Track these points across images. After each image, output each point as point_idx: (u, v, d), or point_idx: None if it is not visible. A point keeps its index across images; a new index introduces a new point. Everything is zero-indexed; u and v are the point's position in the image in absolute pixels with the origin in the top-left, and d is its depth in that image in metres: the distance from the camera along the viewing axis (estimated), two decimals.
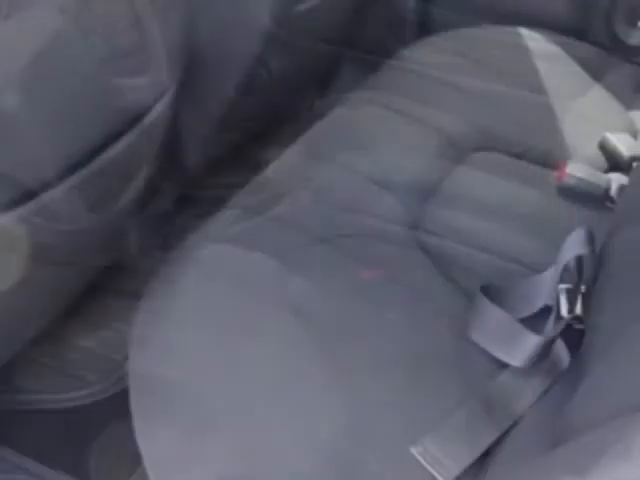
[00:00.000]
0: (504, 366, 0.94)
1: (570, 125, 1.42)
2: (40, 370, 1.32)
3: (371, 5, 1.91)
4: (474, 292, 1.00)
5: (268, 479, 0.84)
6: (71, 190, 0.94)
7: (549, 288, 1.00)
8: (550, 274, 1.01)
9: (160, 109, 1.07)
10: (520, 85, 1.49)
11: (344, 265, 1.05)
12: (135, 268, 1.48)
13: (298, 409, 0.89)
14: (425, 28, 1.88)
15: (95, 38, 0.89)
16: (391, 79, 1.49)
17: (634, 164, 1.30)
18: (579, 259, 0.98)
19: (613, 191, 1.25)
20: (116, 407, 1.00)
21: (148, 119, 1.05)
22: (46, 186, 0.91)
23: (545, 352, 0.93)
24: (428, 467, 0.83)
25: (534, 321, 0.98)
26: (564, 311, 0.96)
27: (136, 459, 0.90)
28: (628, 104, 1.56)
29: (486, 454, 0.86)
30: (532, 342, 0.92)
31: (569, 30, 1.73)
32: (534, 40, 1.64)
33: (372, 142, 1.29)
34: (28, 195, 0.89)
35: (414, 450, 0.84)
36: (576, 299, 0.96)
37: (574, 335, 0.95)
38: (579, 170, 1.26)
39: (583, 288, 0.97)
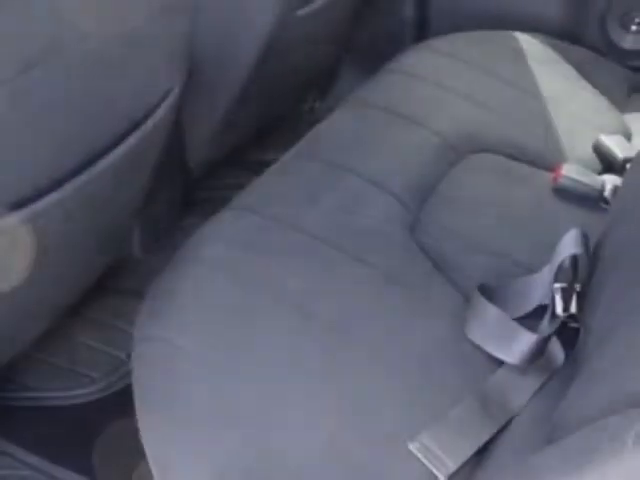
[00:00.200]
0: (500, 364, 0.94)
1: (565, 127, 1.42)
2: (45, 368, 1.32)
3: (370, 10, 1.91)
4: (471, 291, 1.01)
5: (269, 474, 0.84)
6: (75, 192, 0.94)
7: (544, 287, 1.00)
8: (545, 273, 1.01)
9: (163, 112, 1.08)
10: (516, 88, 1.50)
11: (344, 265, 1.05)
12: (137, 268, 1.49)
13: (299, 406, 0.89)
14: (422, 32, 1.88)
15: (97, 41, 0.88)
16: (389, 82, 1.49)
17: (628, 166, 1.30)
18: (574, 259, 0.99)
19: (607, 192, 1.25)
20: (120, 404, 1.00)
21: (151, 122, 1.05)
22: (50, 188, 0.91)
23: (540, 350, 0.93)
24: (426, 462, 0.84)
25: (530, 320, 0.98)
26: (559, 310, 0.96)
27: (139, 455, 0.90)
28: (622, 106, 1.56)
29: (483, 450, 0.86)
30: (528, 340, 0.92)
31: (564, 34, 1.74)
32: (530, 44, 1.64)
33: (371, 144, 1.29)
34: (33, 197, 0.89)
35: (412, 446, 0.84)
36: (571, 298, 0.96)
37: (569, 333, 0.95)
38: (574, 171, 1.27)
39: (578, 287, 0.97)
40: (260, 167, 1.26)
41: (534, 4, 1.79)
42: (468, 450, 0.85)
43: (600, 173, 1.32)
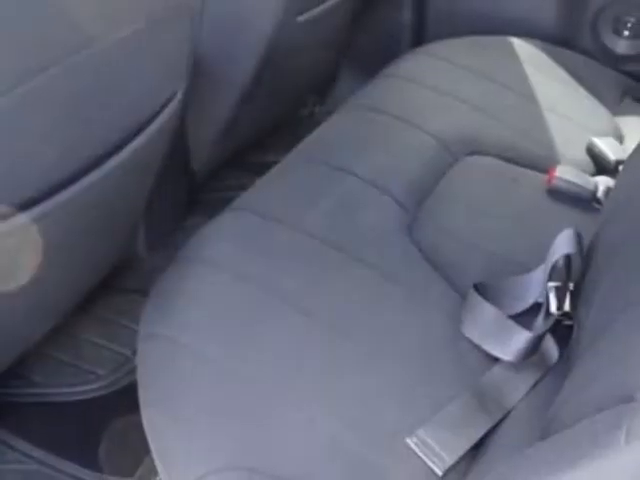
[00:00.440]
0: (496, 361, 0.94)
1: (559, 130, 1.42)
2: (51, 364, 1.32)
3: (369, 16, 1.91)
4: (467, 289, 1.01)
5: (271, 470, 0.84)
6: (81, 193, 0.94)
7: (539, 286, 1.00)
8: (540, 272, 1.01)
9: (167, 116, 1.08)
10: (512, 92, 1.50)
11: (343, 265, 1.05)
12: (142, 267, 1.49)
13: (299, 404, 0.89)
14: (420, 37, 1.88)
15: (100, 46, 0.88)
16: (388, 86, 1.49)
17: (620, 167, 1.30)
18: (567, 258, 0.99)
19: (600, 193, 1.25)
20: (125, 400, 1.00)
21: (155, 126, 1.05)
22: (56, 190, 0.91)
23: (535, 347, 0.93)
24: (423, 457, 0.84)
25: (524, 317, 0.98)
26: (553, 308, 0.96)
27: (144, 449, 0.90)
28: (614, 110, 1.56)
29: (479, 444, 0.86)
30: (523, 337, 0.93)
31: (558, 39, 1.74)
32: (525, 49, 1.64)
33: (370, 146, 1.29)
34: (39, 198, 0.89)
35: (409, 441, 0.85)
36: (565, 296, 0.97)
37: (563, 331, 0.96)
38: (568, 173, 1.27)
39: (571, 286, 0.98)
40: (261, 169, 1.26)
41: (529, 10, 1.79)
42: (464, 445, 0.85)
43: (593, 175, 1.33)
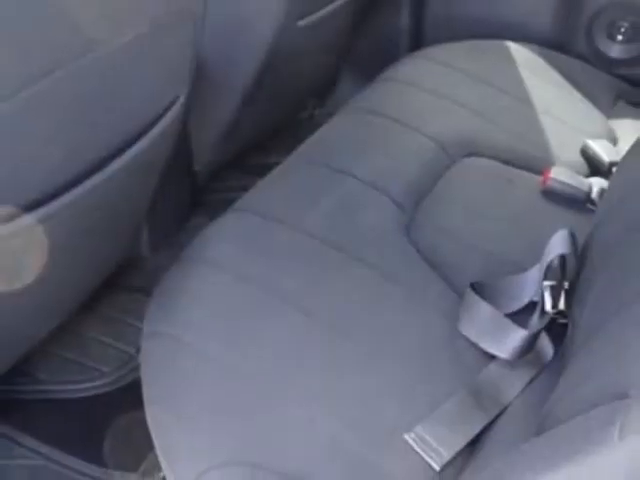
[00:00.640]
0: (492, 358, 0.94)
1: (554, 132, 1.42)
2: (56, 362, 1.32)
3: (368, 20, 1.91)
4: (465, 289, 1.01)
5: (272, 468, 0.84)
6: (86, 195, 0.94)
7: (534, 285, 1.00)
8: (535, 272, 1.01)
9: (170, 119, 1.07)
10: (508, 95, 1.50)
11: (343, 265, 1.05)
12: (146, 266, 1.49)
13: (299, 403, 0.89)
14: (418, 42, 1.88)
15: (104, 49, 0.88)
16: (386, 90, 1.49)
17: (613, 169, 1.30)
18: (562, 258, 0.99)
19: (594, 194, 1.25)
20: (129, 396, 1.00)
21: (158, 129, 1.05)
22: (61, 191, 0.91)
23: (530, 345, 0.93)
24: (421, 452, 0.84)
25: (520, 316, 0.98)
26: (548, 306, 0.96)
27: (148, 445, 0.90)
28: (608, 113, 1.56)
29: (475, 440, 0.86)
30: (518, 336, 0.93)
31: (554, 43, 1.74)
32: (521, 53, 1.64)
33: (369, 148, 1.29)
34: (45, 199, 0.89)
35: (407, 437, 0.85)
36: (559, 295, 0.97)
37: (558, 329, 0.96)
38: (562, 174, 1.27)
39: (566, 285, 0.98)
40: (262, 170, 1.26)
41: (526, 15, 1.79)
42: (461, 441, 0.85)
43: (587, 176, 1.33)
